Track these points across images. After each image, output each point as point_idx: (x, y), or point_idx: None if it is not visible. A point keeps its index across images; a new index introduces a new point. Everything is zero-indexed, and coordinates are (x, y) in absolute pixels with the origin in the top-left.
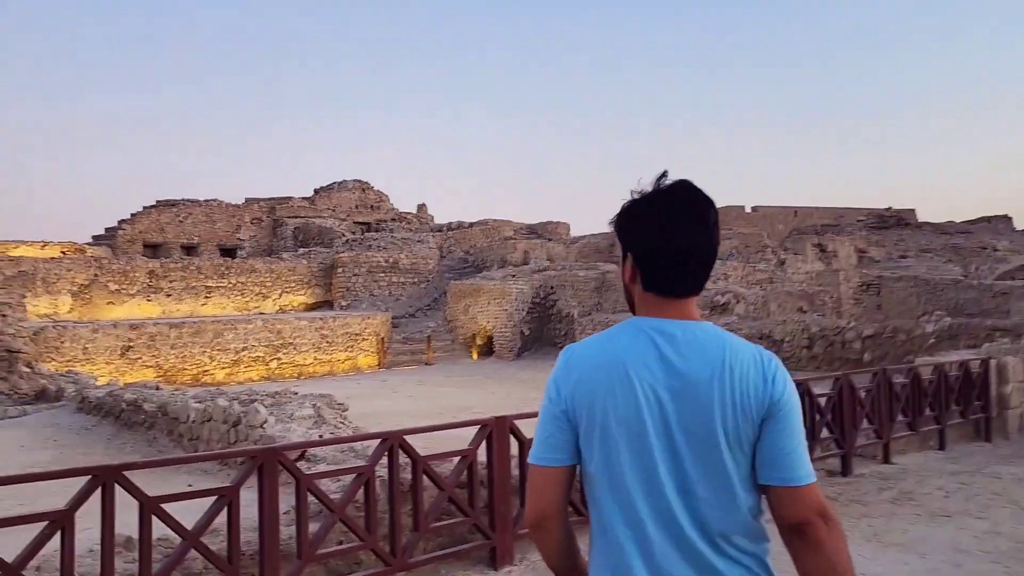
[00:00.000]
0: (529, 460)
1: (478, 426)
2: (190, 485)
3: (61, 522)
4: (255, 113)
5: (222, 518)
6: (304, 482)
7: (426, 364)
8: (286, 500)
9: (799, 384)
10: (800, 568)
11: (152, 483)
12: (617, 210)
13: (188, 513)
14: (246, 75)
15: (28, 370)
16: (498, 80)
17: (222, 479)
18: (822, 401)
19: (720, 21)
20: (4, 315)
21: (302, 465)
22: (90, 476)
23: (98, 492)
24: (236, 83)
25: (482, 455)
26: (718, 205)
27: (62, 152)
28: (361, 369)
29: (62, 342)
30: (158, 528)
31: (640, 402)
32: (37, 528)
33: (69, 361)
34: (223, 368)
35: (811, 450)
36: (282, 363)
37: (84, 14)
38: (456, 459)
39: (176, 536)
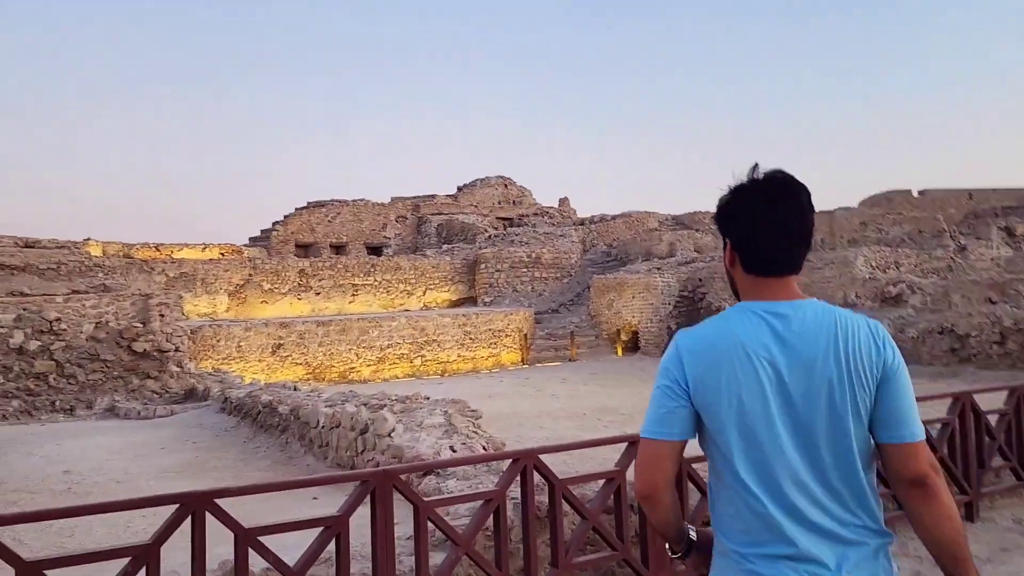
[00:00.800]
0: (642, 435)
1: (626, 443)
2: (315, 498)
3: (144, 558)
4: (399, 112)
5: (332, 546)
6: (423, 510)
7: (570, 360)
8: (408, 520)
9: (1013, 391)
10: (919, 520)
11: (273, 495)
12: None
13: (306, 534)
14: (388, 75)
15: (178, 369)
16: (639, 71)
17: (350, 490)
18: None
19: None
20: (162, 315)
21: (430, 480)
22: (178, 504)
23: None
24: (380, 83)
25: (631, 474)
26: (883, 189)
27: (228, 158)
28: (504, 366)
29: (217, 340)
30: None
31: (763, 379)
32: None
33: (224, 359)
34: (368, 366)
35: None
36: (426, 360)
37: (223, 14)
38: (600, 481)
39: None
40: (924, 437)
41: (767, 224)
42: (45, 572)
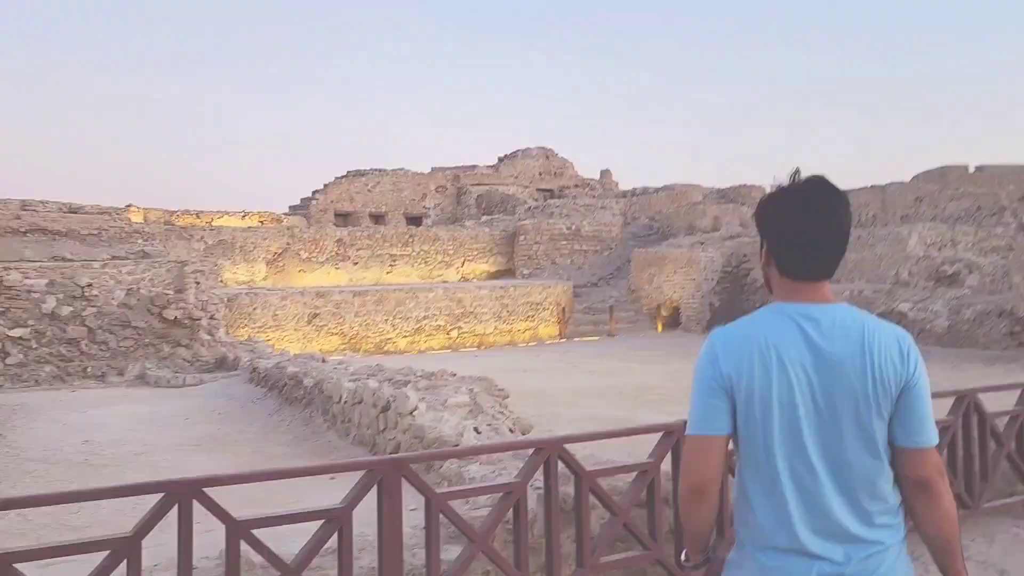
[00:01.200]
0: (689, 432)
1: (660, 432)
2: (332, 477)
3: (124, 551)
4: (441, 81)
5: (335, 540)
6: (435, 503)
7: (609, 335)
8: (424, 507)
9: None
10: (920, 518)
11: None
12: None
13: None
14: (429, 44)
15: (209, 337)
16: (683, 37)
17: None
18: None
19: None
20: (198, 282)
21: (452, 463)
22: (164, 493)
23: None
24: (421, 53)
25: (666, 465)
26: (939, 164)
27: (270, 125)
28: (542, 339)
29: (254, 309)
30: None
31: (792, 380)
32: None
33: (260, 327)
34: (405, 337)
35: None
36: (463, 332)
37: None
38: (632, 473)
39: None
40: (936, 443)
41: (802, 230)
42: (15, 565)
